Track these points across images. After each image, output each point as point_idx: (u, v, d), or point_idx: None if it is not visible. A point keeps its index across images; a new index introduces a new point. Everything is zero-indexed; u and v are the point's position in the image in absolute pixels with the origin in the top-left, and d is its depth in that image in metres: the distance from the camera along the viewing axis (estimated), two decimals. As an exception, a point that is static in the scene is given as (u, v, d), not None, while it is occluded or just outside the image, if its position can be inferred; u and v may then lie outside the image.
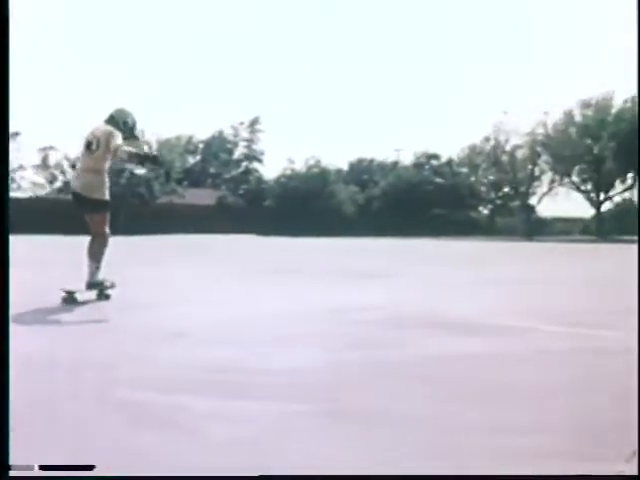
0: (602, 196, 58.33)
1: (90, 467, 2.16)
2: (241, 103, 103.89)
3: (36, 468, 2.16)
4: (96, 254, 7.20)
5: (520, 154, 60.64)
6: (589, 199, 58.89)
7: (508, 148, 61.01)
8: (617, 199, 61.75)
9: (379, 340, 4.98)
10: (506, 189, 64.68)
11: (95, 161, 7.19)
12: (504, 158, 61.31)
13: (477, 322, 5.99)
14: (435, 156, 65.17)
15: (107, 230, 7.33)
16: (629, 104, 51.76)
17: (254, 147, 70.74)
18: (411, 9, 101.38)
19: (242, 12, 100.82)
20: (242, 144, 71.76)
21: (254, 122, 70.04)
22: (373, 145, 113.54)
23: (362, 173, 65.97)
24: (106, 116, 7.46)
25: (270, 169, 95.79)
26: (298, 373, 3.81)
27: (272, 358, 4.26)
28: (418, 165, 64.55)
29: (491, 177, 64.87)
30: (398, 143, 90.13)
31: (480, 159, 63.81)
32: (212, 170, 72.48)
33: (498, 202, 66.71)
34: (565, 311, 6.88)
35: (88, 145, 7.25)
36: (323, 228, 46.11)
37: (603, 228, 57.04)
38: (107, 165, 7.28)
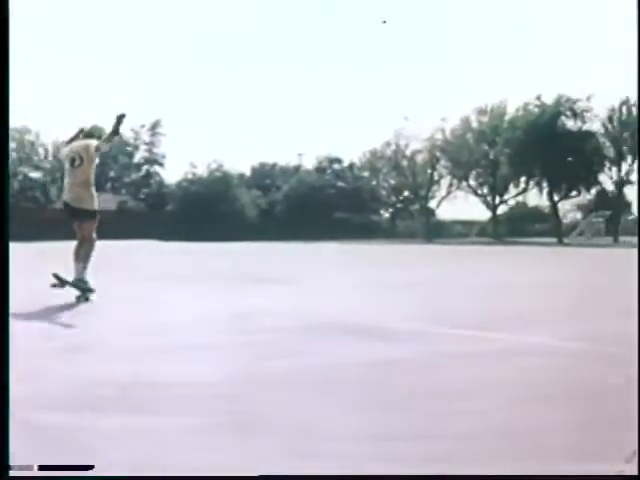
0: (497, 199, 60.37)
1: (89, 467, 2.13)
2: (142, 106, 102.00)
3: (35, 468, 2.13)
4: (84, 257, 8.01)
5: (420, 159, 62.02)
6: (485, 202, 60.81)
7: (408, 153, 62.32)
8: (511, 202, 64.11)
9: (282, 348, 4.96)
10: (406, 193, 65.99)
11: (81, 174, 8.10)
12: (404, 163, 62.58)
13: (380, 327, 6.06)
14: (337, 160, 65.85)
15: (94, 236, 8.17)
16: (521, 112, 53.78)
17: (155, 150, 69.46)
18: (320, 12, 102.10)
19: (145, 14, 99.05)
20: (143, 147, 70.33)
21: (155, 125, 68.77)
22: (275, 149, 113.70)
23: (264, 177, 65.93)
24: (80, 135, 8.45)
25: (172, 173, 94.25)
26: (200, 385, 3.75)
27: (173, 370, 4.19)
28: (320, 169, 65.06)
29: (392, 181, 66.09)
30: (300, 147, 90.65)
31: (381, 163, 64.94)
32: (112, 174, 70.72)
33: (399, 206, 68.02)
34: (465, 313, 7.08)
35: (72, 161, 8.15)
36: (225, 232, 45.76)
37: (499, 230, 59.04)
38: (92, 176, 8.21)
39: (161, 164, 69.09)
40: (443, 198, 62.82)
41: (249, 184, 61.69)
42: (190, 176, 58.75)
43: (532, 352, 4.88)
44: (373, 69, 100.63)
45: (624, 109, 53.93)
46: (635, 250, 31.75)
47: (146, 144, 70.03)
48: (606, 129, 53.84)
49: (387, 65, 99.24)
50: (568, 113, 51.93)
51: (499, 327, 6.07)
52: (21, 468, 2.14)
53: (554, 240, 49.60)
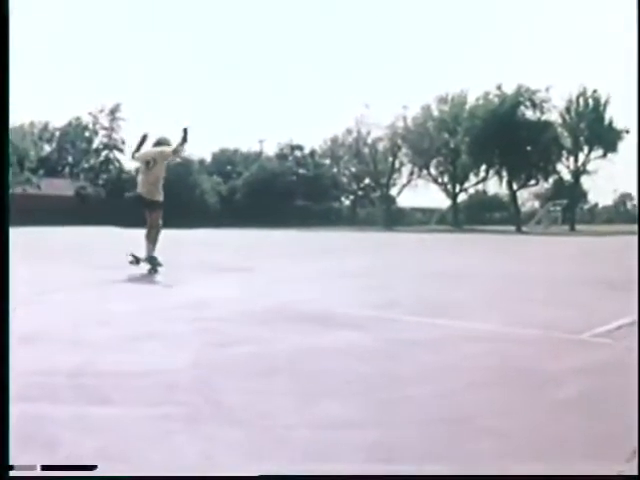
0: (457, 188, 60.95)
1: (92, 467, 2.11)
2: (100, 89, 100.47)
3: (38, 468, 2.12)
4: (153, 239, 10.23)
5: (381, 146, 62.33)
6: (446, 191, 61.41)
7: (369, 140, 62.54)
8: (471, 191, 64.80)
9: (237, 336, 4.93)
10: (367, 180, 66.32)
11: (153, 174, 10.43)
12: (365, 150, 62.77)
13: (334, 314, 6.08)
14: (298, 147, 65.79)
15: (160, 222, 10.48)
16: (482, 101, 54.29)
17: (114, 136, 68.50)
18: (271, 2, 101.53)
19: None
20: (102, 132, 69.26)
21: (114, 110, 67.78)
22: (236, 135, 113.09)
23: (225, 164, 65.60)
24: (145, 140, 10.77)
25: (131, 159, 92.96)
26: (156, 374, 3.71)
27: (126, 359, 4.14)
28: (281, 156, 64.95)
29: (353, 169, 66.31)
30: (262, 133, 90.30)
31: (342, 151, 65.06)
32: (70, 159, 69.65)
33: (359, 193, 68.32)
34: (419, 300, 7.15)
35: (147, 164, 10.43)
36: (186, 219, 45.42)
37: (458, 218, 59.64)
38: (162, 177, 10.58)
39: (121, 149, 68.15)
40: (404, 186, 63.31)
41: (210, 170, 61.30)
42: (150, 162, 58.07)
43: (483, 338, 4.96)
44: (335, 56, 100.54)
45: (581, 100, 54.77)
46: (587, 239, 32.37)
47: (105, 129, 69.01)
48: (564, 120, 54.66)
49: (349, 52, 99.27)
50: (527, 103, 52.59)
51: (452, 314, 6.15)
52: (23, 468, 2.13)
53: (512, 228, 50.26)
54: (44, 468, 2.12)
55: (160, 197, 10.60)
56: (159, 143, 10.68)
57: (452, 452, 2.60)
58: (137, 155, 10.86)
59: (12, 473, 2.12)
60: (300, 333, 5.13)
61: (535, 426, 2.94)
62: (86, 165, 67.57)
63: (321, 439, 2.70)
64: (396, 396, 3.36)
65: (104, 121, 68.81)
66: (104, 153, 68.20)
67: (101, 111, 68.21)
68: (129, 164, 63.54)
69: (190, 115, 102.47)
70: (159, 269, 9.94)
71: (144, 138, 10.83)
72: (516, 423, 2.96)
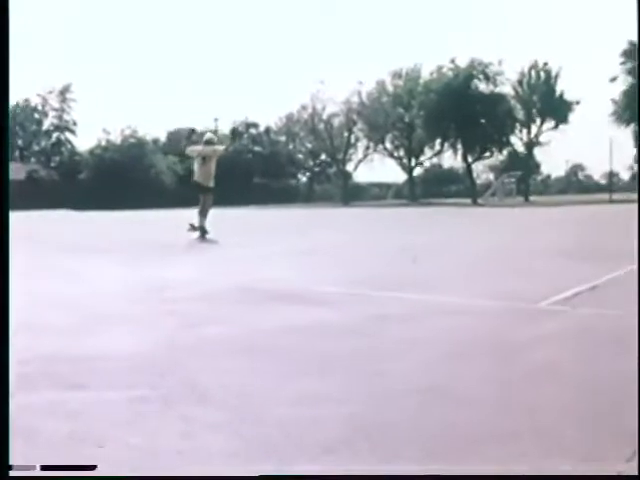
0: (413, 162, 61.30)
1: (92, 467, 2.11)
2: (50, 69, 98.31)
3: (38, 468, 2.11)
4: (205, 214, 13.24)
5: (336, 122, 62.20)
6: (401, 165, 61.71)
7: (325, 116, 62.37)
8: (427, 164, 65.23)
9: (204, 317, 4.93)
10: (323, 156, 66.27)
11: (207, 167, 13.58)
12: (321, 126, 62.61)
13: (302, 291, 6.12)
14: (253, 125, 65.31)
15: (211, 202, 13.45)
16: (435, 75, 54.53)
17: (65, 117, 67.19)
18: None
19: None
20: (52, 114, 67.86)
21: (65, 90, 66.42)
22: (191, 114, 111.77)
23: (181, 143, 64.85)
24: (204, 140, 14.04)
25: (84, 140, 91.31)
26: (124, 357, 3.69)
27: (95, 343, 4.08)
28: (237, 134, 64.46)
29: (309, 145, 66.13)
30: (216, 112, 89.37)
31: (298, 127, 64.80)
32: (19, 142, 68.15)
33: (316, 169, 68.24)
34: (389, 275, 7.23)
35: (203, 159, 13.55)
36: (142, 200, 44.89)
37: (414, 192, 60.05)
38: (214, 168, 13.68)
39: (72, 131, 66.94)
40: (360, 161, 63.40)
41: (165, 150, 60.54)
42: (103, 143, 57.12)
43: (450, 311, 5.05)
44: (288, 32, 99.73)
45: (533, 73, 55.38)
46: (542, 209, 32.90)
47: (55, 110, 67.63)
48: (516, 92, 55.24)
49: (302, 28, 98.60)
50: (481, 77, 52.96)
51: (418, 288, 6.23)
52: (23, 468, 2.12)
53: (468, 201, 50.79)
54: (44, 468, 2.13)
55: (212, 184, 13.66)
56: (208, 141, 13.96)
57: (429, 422, 2.68)
58: (190, 150, 14.14)
59: (12, 473, 2.12)
60: (269, 312, 5.14)
61: (506, 393, 3.04)
62: (37, 147, 66.23)
63: (299, 416, 2.75)
64: (370, 371, 3.42)
65: (54, 102, 67.47)
66: (55, 135, 66.89)
67: (50, 92, 66.84)
68: (82, 146, 62.61)
69: (143, 94, 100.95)
70: (206, 237, 12.89)
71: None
72: (486, 392, 3.06)
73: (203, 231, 13.03)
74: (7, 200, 2.63)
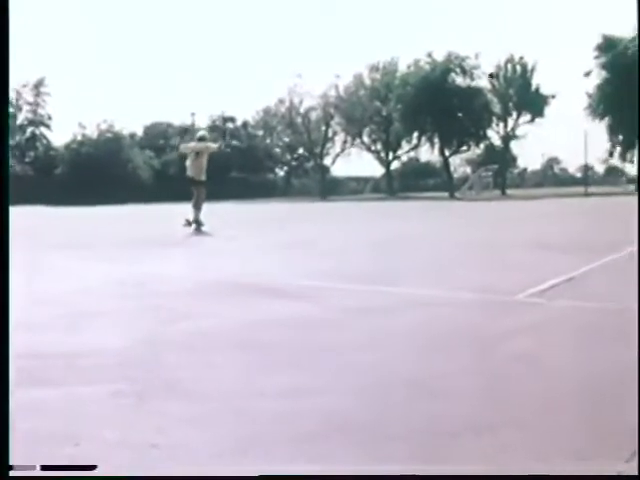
0: (391, 156, 61.41)
1: (92, 467, 2.09)
2: (24, 63, 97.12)
3: (38, 468, 2.10)
4: (199, 207, 13.95)
5: (314, 116, 62.09)
6: (379, 159, 61.78)
7: (302, 110, 62.22)
8: (404, 158, 65.37)
9: (183, 311, 4.92)
10: (301, 150, 66.16)
11: (200, 162, 14.37)
12: (298, 120, 62.46)
13: (277, 285, 6.12)
14: (230, 119, 65.05)
15: (204, 196, 14.18)
16: (412, 69, 54.58)
17: (40, 111, 66.43)
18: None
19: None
20: (26, 108, 67.02)
21: (39, 84, 65.65)
22: (168, 108, 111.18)
23: (158, 137, 64.40)
24: (197, 137, 15.49)
25: (59, 135, 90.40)
26: (106, 353, 3.68)
27: (75, 339, 4.08)
28: (214, 128, 64.15)
29: (286, 139, 65.98)
30: (193, 106, 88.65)
31: (275, 121, 64.60)
32: (-7, 137, 67.15)
33: (294, 163, 68.14)
34: (367, 268, 7.24)
35: (196, 154, 14.38)
36: (119, 195, 44.57)
37: (392, 186, 60.17)
38: (205, 163, 14.44)
39: (47, 125, 66.19)
40: (337, 155, 63.37)
41: (142, 144, 60.12)
42: (79, 137, 56.61)
43: (428, 304, 5.07)
44: (265, 26, 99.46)
45: (509, 67, 55.65)
46: (518, 202, 33.13)
47: (29, 104, 66.84)
48: (493, 86, 55.48)
49: (280, 21, 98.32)
50: (458, 70, 53.09)
51: (396, 281, 6.25)
52: (23, 468, 2.11)
53: (446, 194, 50.99)
54: (44, 468, 2.12)
55: (204, 178, 14.51)
56: (201, 138, 15.28)
57: (405, 414, 2.69)
58: (183, 147, 15.74)
59: (12, 473, 2.11)
60: (247, 306, 5.14)
61: (482, 385, 3.06)
62: (11, 142, 65.48)
63: (275, 408, 2.75)
64: (347, 363, 3.43)
65: (28, 96, 66.67)
66: (30, 129, 66.10)
67: (24, 86, 66.03)
68: (57, 140, 62.00)
69: (119, 89, 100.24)
70: (202, 229, 13.60)
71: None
72: (464, 383, 3.07)
73: (198, 224, 13.73)
74: (7, 198, 2.61)
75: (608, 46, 49.56)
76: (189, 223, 13.69)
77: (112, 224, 19.98)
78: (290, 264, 7.97)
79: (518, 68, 55.38)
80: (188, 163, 14.59)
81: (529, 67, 55.36)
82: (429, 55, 53.87)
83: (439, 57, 53.37)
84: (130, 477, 2.08)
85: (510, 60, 55.60)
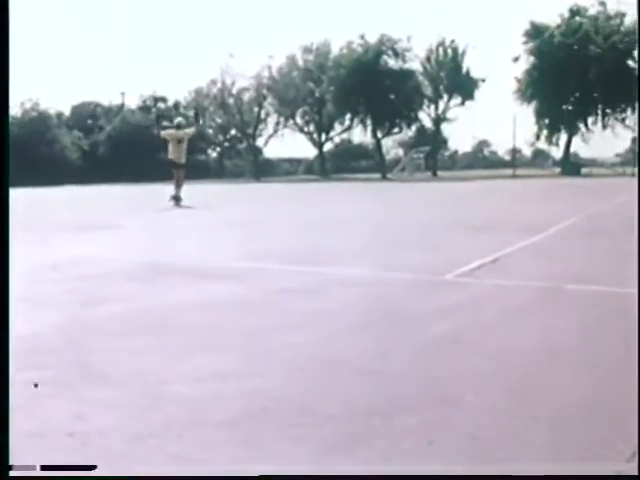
0: (323, 137, 61.47)
1: (92, 467, 2.03)
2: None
3: (38, 468, 2.05)
4: (179, 186, 16.31)
5: (246, 97, 61.61)
6: (312, 140, 61.75)
7: (234, 91, 61.65)
8: (337, 140, 65.55)
9: (108, 294, 4.82)
10: (233, 132, 65.62)
11: (181, 148, 16.70)
12: (231, 101, 61.88)
13: (207, 267, 6.06)
14: (162, 99, 64.03)
15: (183, 176, 16.64)
16: (345, 51, 54.67)
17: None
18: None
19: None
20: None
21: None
22: (96, 87, 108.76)
23: (86, 117, 62.92)
24: (176, 124, 18.18)
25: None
26: (25, 338, 3.57)
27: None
28: (144, 108, 62.99)
29: (218, 120, 65.31)
30: (123, 86, 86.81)
31: (207, 102, 63.84)
32: None
33: (226, 145, 67.56)
34: (298, 249, 7.22)
35: (177, 141, 16.69)
36: (45, 177, 43.43)
37: (325, 167, 60.32)
38: (185, 148, 16.82)
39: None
40: (270, 136, 63.05)
41: (69, 125, 58.66)
42: (2, 116, 54.81)
43: (357, 283, 5.09)
44: (198, 4, 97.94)
45: (440, 50, 56.25)
46: (449, 184, 33.64)
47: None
48: (425, 69, 56.03)
49: (213, 1, 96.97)
50: (390, 52, 53.44)
51: (325, 261, 6.26)
52: (23, 468, 2.04)
53: (378, 176, 51.43)
54: (44, 468, 2.06)
55: (184, 160, 16.86)
56: (179, 125, 17.84)
57: (332, 395, 2.67)
58: (166, 133, 17.43)
59: (12, 473, 2.05)
60: (175, 288, 5.06)
61: (412, 363, 3.07)
62: None
63: (198, 392, 2.69)
64: (274, 344, 3.39)
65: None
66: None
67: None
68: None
69: (47, 67, 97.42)
70: (180, 204, 15.66)
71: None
72: (394, 362, 3.07)
73: (178, 199, 16.07)
74: (7, 194, 2.51)
75: (536, 32, 50.62)
76: (174, 198, 16.05)
77: (40, 207, 19.44)
78: (221, 246, 7.89)
79: (449, 51, 56.00)
80: (170, 148, 16.78)
81: (460, 51, 56.06)
82: (362, 37, 54.06)
83: (372, 39, 53.62)
84: (130, 477, 2.06)
85: (441, 44, 56.18)
